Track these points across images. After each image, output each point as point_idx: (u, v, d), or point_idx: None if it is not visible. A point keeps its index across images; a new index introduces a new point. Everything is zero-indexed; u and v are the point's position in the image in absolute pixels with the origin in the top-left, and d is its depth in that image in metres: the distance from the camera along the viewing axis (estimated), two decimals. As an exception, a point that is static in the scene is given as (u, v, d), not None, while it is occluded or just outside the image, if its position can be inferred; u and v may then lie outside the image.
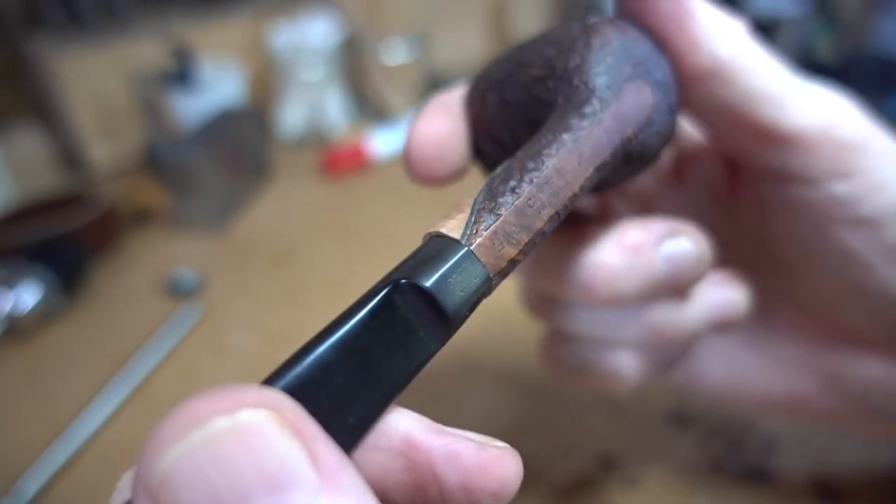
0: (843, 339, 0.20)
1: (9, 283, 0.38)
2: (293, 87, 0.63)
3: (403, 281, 0.12)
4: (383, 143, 0.60)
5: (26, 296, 0.38)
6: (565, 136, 0.14)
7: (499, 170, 0.14)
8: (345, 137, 0.63)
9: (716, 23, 0.17)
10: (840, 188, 0.17)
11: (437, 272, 0.12)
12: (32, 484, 0.28)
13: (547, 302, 0.21)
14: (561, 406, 0.31)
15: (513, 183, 0.14)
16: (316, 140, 0.65)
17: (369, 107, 0.69)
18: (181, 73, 0.55)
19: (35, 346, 0.38)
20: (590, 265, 0.18)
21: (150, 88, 0.56)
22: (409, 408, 0.12)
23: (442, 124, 0.18)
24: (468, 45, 0.87)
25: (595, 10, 0.85)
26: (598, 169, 0.15)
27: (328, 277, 0.44)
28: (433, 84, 0.72)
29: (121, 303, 0.42)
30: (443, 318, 0.12)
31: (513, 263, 0.13)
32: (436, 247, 0.13)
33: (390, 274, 0.12)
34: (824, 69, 0.65)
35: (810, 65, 0.67)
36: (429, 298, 0.12)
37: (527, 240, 0.13)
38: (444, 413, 0.31)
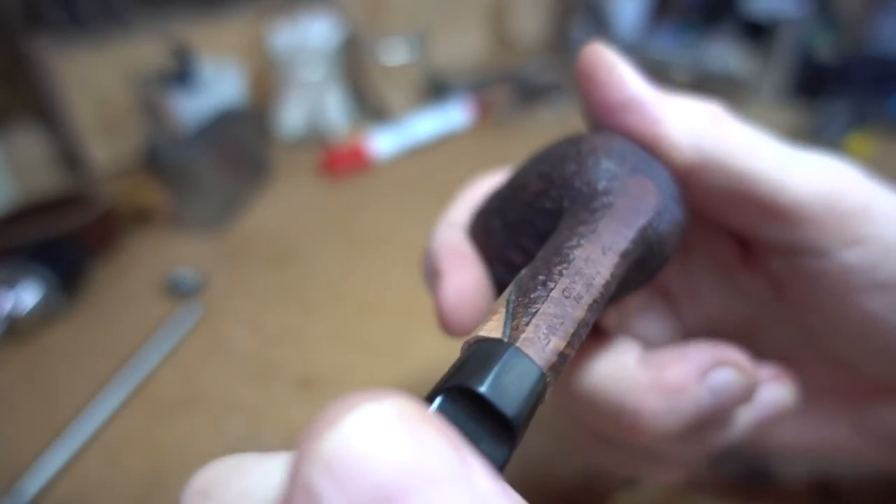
0: (870, 390, 0.20)
1: (9, 283, 0.38)
2: (293, 87, 0.63)
3: (453, 388, 0.11)
4: (383, 143, 0.60)
5: (26, 296, 0.38)
6: (582, 229, 0.14)
7: (523, 271, 0.14)
8: (345, 137, 0.63)
9: (689, 116, 0.17)
10: (852, 256, 0.16)
11: (488, 375, 0.11)
12: (33, 483, 0.28)
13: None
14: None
15: (542, 277, 0.13)
16: (316, 140, 0.65)
17: (369, 107, 0.69)
18: (181, 74, 0.55)
19: (35, 346, 0.38)
20: (629, 411, 0.16)
21: (150, 88, 0.56)
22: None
23: (466, 277, 0.18)
24: (468, 45, 0.87)
25: (594, 11, 0.85)
26: (624, 256, 0.14)
27: (328, 277, 0.44)
28: (433, 84, 0.72)
29: (121, 303, 0.42)
30: (504, 425, 0.11)
31: (563, 357, 0.13)
32: (479, 351, 0.12)
33: (436, 386, 0.12)
34: (824, 69, 0.65)
35: (810, 65, 0.67)
36: (484, 405, 0.11)
37: (572, 330, 0.13)
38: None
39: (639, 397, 0.16)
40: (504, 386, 0.11)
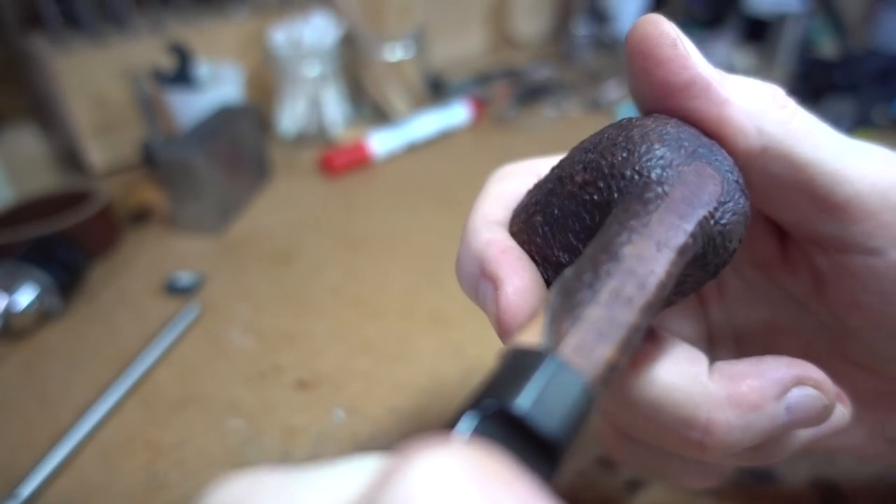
0: (892, 391, 0.20)
1: (5, 282, 0.38)
2: (292, 84, 0.63)
3: (486, 406, 0.10)
4: (383, 140, 0.60)
5: (23, 295, 0.38)
6: (633, 223, 0.13)
7: (566, 271, 0.13)
8: (344, 135, 0.63)
9: (753, 98, 0.16)
10: None
11: (526, 390, 0.10)
12: (30, 482, 0.28)
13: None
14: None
15: (587, 277, 0.12)
16: (315, 138, 0.64)
17: (369, 105, 0.69)
18: (179, 72, 0.55)
19: (32, 345, 0.38)
20: (700, 425, 0.15)
21: (149, 87, 0.56)
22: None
23: (525, 279, 0.16)
24: (469, 43, 0.87)
25: (596, 8, 0.84)
26: (681, 253, 0.13)
27: (328, 277, 0.43)
28: (433, 81, 0.72)
29: (118, 302, 0.42)
30: (544, 448, 0.10)
31: (612, 367, 0.11)
32: (516, 360, 0.11)
33: (467, 401, 0.10)
34: (828, 67, 0.64)
35: (814, 62, 0.66)
36: (520, 425, 0.10)
37: (623, 336, 0.12)
38: (446, 414, 0.31)
39: (712, 411, 0.15)
40: (543, 402, 0.10)
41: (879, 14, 0.72)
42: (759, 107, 0.16)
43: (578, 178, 0.15)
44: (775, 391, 0.15)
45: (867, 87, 0.60)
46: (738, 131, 0.15)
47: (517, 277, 0.16)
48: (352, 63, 0.68)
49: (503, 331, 0.16)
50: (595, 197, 0.15)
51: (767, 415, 0.15)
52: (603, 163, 0.15)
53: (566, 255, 0.16)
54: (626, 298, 0.12)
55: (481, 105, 0.68)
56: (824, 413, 0.16)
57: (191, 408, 0.33)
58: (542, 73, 0.77)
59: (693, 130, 0.15)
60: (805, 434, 0.18)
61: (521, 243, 0.17)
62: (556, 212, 0.16)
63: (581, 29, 0.82)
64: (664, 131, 0.15)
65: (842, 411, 0.18)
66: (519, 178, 0.19)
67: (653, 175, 0.14)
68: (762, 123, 0.15)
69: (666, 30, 0.15)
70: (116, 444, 0.31)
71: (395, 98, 0.67)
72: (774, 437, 0.17)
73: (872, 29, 0.73)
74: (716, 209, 0.14)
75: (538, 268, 0.17)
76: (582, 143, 0.17)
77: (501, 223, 0.18)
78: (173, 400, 0.33)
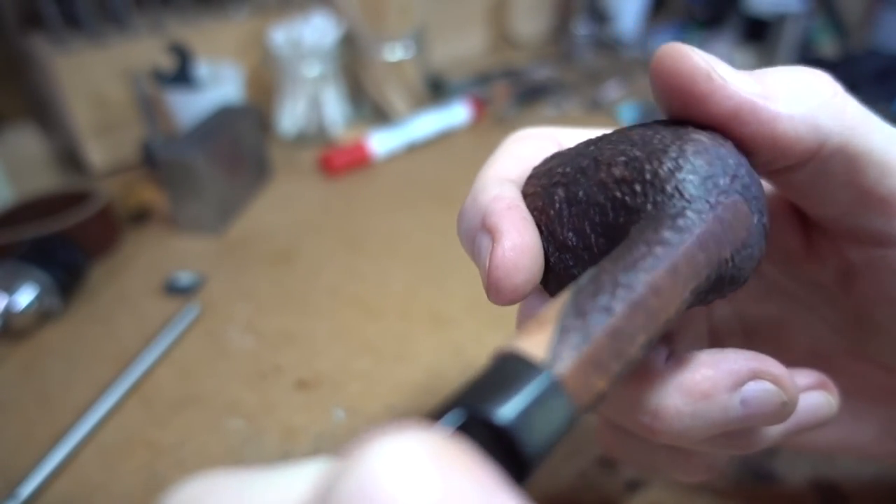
0: None
1: (5, 282, 0.38)
2: (292, 84, 0.63)
3: (471, 411, 0.10)
4: (383, 140, 0.60)
5: (23, 295, 0.38)
6: (659, 251, 0.13)
7: (584, 280, 0.13)
8: (344, 135, 0.63)
9: (804, 97, 0.15)
10: None
11: (515, 403, 0.10)
12: (30, 482, 0.28)
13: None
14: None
15: (604, 300, 0.12)
16: (315, 138, 0.64)
17: (369, 105, 0.69)
18: (179, 72, 0.55)
19: (32, 345, 0.38)
20: (650, 409, 0.15)
21: (148, 87, 0.56)
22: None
23: (526, 239, 0.15)
24: (469, 43, 0.87)
25: (596, 8, 0.84)
26: (693, 292, 0.13)
27: (328, 277, 0.43)
28: (433, 81, 0.72)
29: (118, 302, 0.42)
30: (516, 463, 0.10)
31: (600, 398, 0.11)
32: (511, 367, 0.11)
33: (451, 398, 0.10)
34: (828, 67, 0.64)
35: (813, 62, 0.66)
36: (500, 436, 0.10)
37: (617, 370, 0.11)
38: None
39: (661, 396, 0.15)
40: (528, 419, 0.10)
41: (879, 14, 0.72)
42: (813, 104, 0.15)
43: (616, 172, 0.15)
44: (728, 382, 0.15)
45: (867, 87, 0.60)
46: (794, 141, 0.15)
47: (517, 234, 0.15)
48: (352, 63, 0.68)
49: (490, 286, 0.15)
50: (627, 199, 0.14)
51: (719, 405, 0.15)
52: (647, 167, 0.14)
53: (575, 239, 0.16)
54: (633, 332, 0.12)
55: (481, 105, 0.68)
56: (782, 410, 0.16)
57: (191, 408, 0.33)
58: (542, 73, 0.77)
59: (743, 157, 0.15)
60: (782, 426, 0.18)
61: (532, 208, 0.16)
62: (580, 193, 0.15)
63: (581, 29, 0.82)
64: (718, 154, 0.14)
65: (829, 401, 0.18)
66: (537, 142, 0.19)
67: (694, 202, 0.13)
68: (818, 120, 0.15)
69: (697, 63, 0.14)
70: (116, 444, 0.31)
71: (395, 98, 0.67)
72: (742, 429, 0.17)
73: (872, 29, 0.73)
74: (737, 251, 0.14)
75: (542, 238, 0.16)
76: (630, 130, 0.16)
77: (514, 182, 0.17)
78: (173, 400, 0.33)
